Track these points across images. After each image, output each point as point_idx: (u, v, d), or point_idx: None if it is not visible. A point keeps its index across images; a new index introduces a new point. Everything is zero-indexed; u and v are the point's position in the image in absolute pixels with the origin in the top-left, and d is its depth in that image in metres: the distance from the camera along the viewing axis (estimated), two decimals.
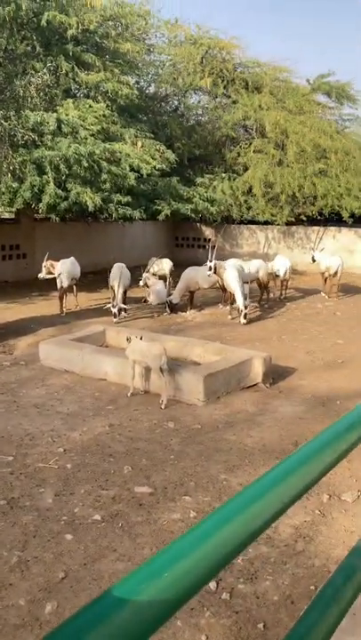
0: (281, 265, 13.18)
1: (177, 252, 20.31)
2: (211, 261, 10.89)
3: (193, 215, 16.88)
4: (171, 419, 5.89)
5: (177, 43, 19.97)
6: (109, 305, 10.58)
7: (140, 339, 6.68)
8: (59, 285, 11.38)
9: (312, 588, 3.27)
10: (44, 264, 11.89)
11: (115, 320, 10.38)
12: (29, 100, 8.76)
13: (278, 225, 19.06)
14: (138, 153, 13.38)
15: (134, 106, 16.26)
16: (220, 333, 9.82)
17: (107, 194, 13.10)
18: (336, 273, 13.34)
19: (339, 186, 17.94)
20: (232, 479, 4.56)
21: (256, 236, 20.78)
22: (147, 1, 17.21)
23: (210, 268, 10.90)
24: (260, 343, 9.01)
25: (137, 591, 0.71)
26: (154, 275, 12.69)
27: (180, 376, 6.42)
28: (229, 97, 20.06)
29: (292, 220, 18.89)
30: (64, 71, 13.43)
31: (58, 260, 11.78)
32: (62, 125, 12.40)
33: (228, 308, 11.58)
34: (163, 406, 6.20)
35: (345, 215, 18.23)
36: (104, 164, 12.57)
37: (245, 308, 10.48)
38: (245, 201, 18.51)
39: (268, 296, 12.86)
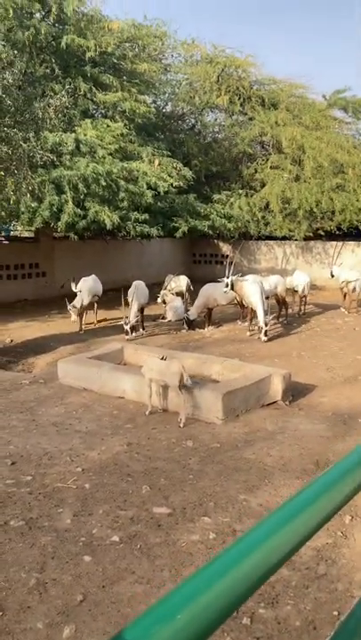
0: (300, 280, 13.12)
1: (194, 269, 20.38)
2: (228, 277, 10.89)
3: (210, 232, 16.96)
4: (189, 437, 5.83)
5: (193, 62, 20.24)
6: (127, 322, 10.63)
7: (164, 359, 6.56)
8: (78, 304, 11.38)
9: (335, 613, 3.18)
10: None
11: (126, 337, 10.41)
12: (48, 121, 8.91)
13: (296, 240, 19.03)
14: (155, 171, 13.50)
15: (151, 124, 16.46)
16: (238, 350, 9.76)
17: (124, 212, 13.22)
18: (355, 288, 13.23)
19: (357, 200, 17.90)
20: (252, 499, 4.49)
21: (274, 251, 20.76)
22: (163, 22, 17.53)
23: (226, 285, 10.90)
24: (279, 360, 8.94)
25: (148, 635, 0.68)
26: (171, 291, 12.72)
27: (199, 394, 6.36)
28: (246, 114, 20.21)
29: (310, 235, 18.85)
30: (82, 92, 13.68)
31: (80, 280, 11.82)
32: (80, 145, 12.59)
33: (246, 324, 11.53)
34: (181, 425, 6.15)
35: None
36: (122, 182, 12.70)
37: (266, 325, 10.43)
38: (263, 217, 18.54)
39: (286, 312, 12.78)
